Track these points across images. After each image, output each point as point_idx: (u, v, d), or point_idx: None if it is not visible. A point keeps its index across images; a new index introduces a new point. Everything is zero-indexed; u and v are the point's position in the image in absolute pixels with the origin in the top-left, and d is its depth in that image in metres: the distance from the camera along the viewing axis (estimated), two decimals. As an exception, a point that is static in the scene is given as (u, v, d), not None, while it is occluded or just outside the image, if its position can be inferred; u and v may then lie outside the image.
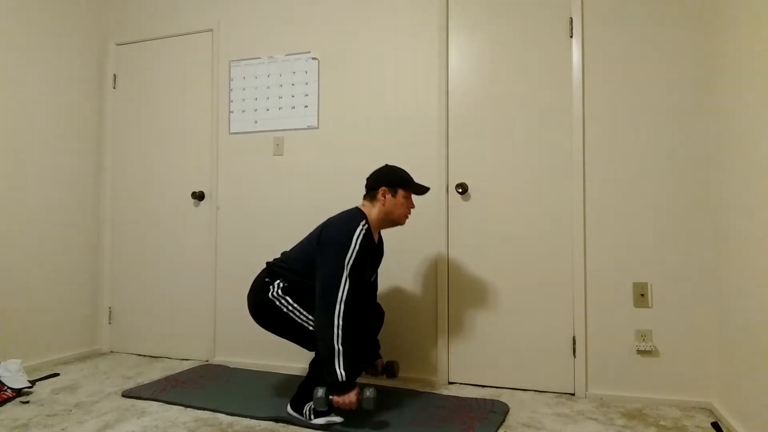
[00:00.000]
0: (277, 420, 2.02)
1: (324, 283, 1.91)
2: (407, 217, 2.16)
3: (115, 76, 3.27)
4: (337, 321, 1.86)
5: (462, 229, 2.55)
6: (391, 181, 2.11)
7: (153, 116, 3.17)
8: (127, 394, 2.32)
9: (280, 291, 2.02)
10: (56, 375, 2.65)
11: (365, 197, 2.16)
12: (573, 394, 2.34)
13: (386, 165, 2.19)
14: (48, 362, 2.86)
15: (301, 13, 2.87)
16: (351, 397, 1.84)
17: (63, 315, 2.99)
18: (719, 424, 1.96)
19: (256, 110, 2.93)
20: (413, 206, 2.17)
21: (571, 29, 2.40)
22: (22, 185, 2.78)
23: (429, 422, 1.99)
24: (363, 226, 1.99)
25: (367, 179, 2.16)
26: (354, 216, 2.03)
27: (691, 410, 2.14)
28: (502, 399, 2.29)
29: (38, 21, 2.88)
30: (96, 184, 3.23)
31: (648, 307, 2.26)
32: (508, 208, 2.48)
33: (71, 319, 3.04)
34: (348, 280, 1.90)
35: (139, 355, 3.12)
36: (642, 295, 2.27)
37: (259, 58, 2.94)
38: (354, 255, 1.92)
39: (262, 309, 2.05)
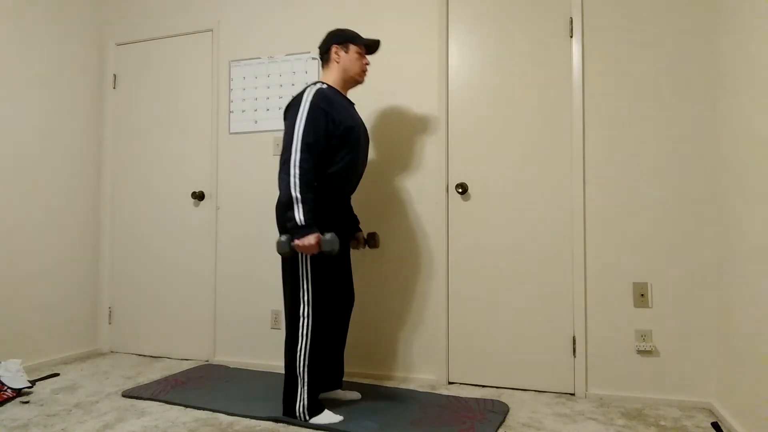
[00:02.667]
0: (277, 420, 2.02)
1: (283, 144, 1.95)
2: (365, 72, 2.19)
3: (115, 76, 3.27)
4: (293, 170, 1.89)
5: (462, 229, 2.55)
6: (340, 38, 2.15)
7: (153, 116, 3.17)
8: (127, 394, 2.32)
9: None
10: (56, 375, 2.65)
11: (322, 66, 2.19)
12: (573, 394, 2.34)
13: (333, 28, 2.20)
14: (48, 362, 2.86)
15: (300, 12, 2.87)
16: (311, 239, 1.86)
17: (63, 315, 2.99)
18: (719, 424, 1.96)
19: (256, 110, 2.93)
20: (368, 63, 2.20)
21: (571, 29, 2.40)
22: (22, 185, 2.78)
23: (429, 422, 1.99)
24: (315, 86, 2.03)
25: (319, 47, 2.20)
26: (304, 86, 2.08)
27: (691, 410, 2.14)
28: (502, 399, 2.29)
29: (38, 21, 2.88)
30: (96, 184, 3.23)
31: (648, 307, 2.27)
32: (508, 207, 2.48)
33: (71, 319, 3.04)
34: (302, 131, 1.91)
35: (139, 355, 3.12)
36: (642, 295, 2.27)
37: (259, 58, 2.94)
38: (307, 106, 1.95)
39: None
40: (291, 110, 2.00)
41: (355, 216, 2.36)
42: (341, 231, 2.13)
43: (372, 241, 2.32)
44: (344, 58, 2.13)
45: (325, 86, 2.05)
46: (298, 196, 1.87)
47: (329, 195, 2.04)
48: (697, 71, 2.23)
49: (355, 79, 2.17)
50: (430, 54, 2.61)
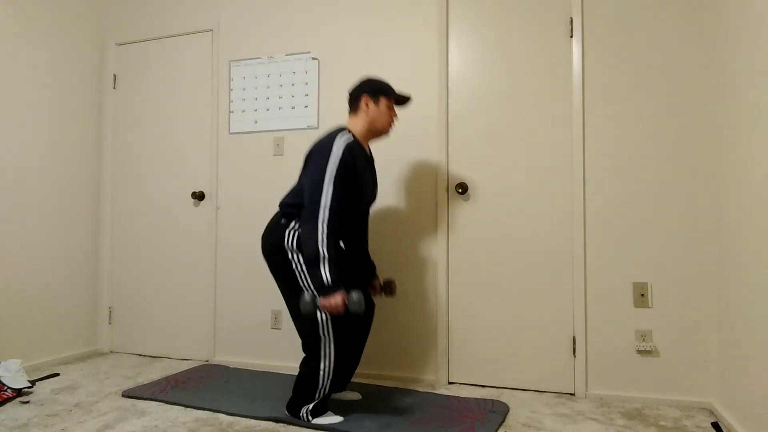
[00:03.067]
0: (277, 420, 2.02)
1: (309, 192, 1.91)
2: (391, 126, 2.15)
3: (115, 76, 3.27)
4: (322, 227, 1.86)
5: (462, 228, 2.55)
6: (372, 89, 2.11)
7: (153, 116, 3.17)
8: (127, 394, 2.32)
9: (294, 243, 1.98)
10: (56, 375, 2.65)
11: (350, 113, 2.15)
12: (573, 394, 2.34)
13: (366, 76, 2.17)
14: (48, 362, 2.86)
15: (301, 13, 2.87)
16: (337, 299, 1.83)
17: (63, 315, 2.99)
18: (719, 424, 1.96)
19: (256, 110, 2.93)
20: (396, 116, 2.17)
21: (571, 29, 2.40)
22: (22, 185, 2.78)
23: (429, 422, 1.99)
24: (345, 135, 1.99)
25: (349, 93, 2.16)
26: (334, 130, 2.04)
27: (691, 410, 2.14)
28: (502, 399, 2.29)
29: (38, 21, 2.88)
30: (96, 183, 3.23)
31: (648, 307, 2.27)
32: (508, 207, 2.48)
33: (71, 319, 3.04)
34: (332, 186, 1.89)
35: (139, 355, 3.12)
36: (642, 295, 2.27)
37: (259, 58, 2.94)
38: (337, 162, 1.91)
39: (275, 254, 2.02)
40: (317, 156, 1.94)
41: (372, 263, 2.34)
42: (355, 277, 2.13)
43: (388, 289, 2.26)
44: (373, 109, 2.09)
45: (352, 139, 1.99)
46: (326, 254, 1.84)
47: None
48: (697, 71, 2.23)
49: (381, 132, 2.14)
50: (430, 54, 2.61)
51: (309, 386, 1.96)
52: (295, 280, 1.98)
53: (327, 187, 1.88)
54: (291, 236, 1.98)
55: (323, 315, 1.91)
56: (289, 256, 1.98)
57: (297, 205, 2.01)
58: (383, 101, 2.10)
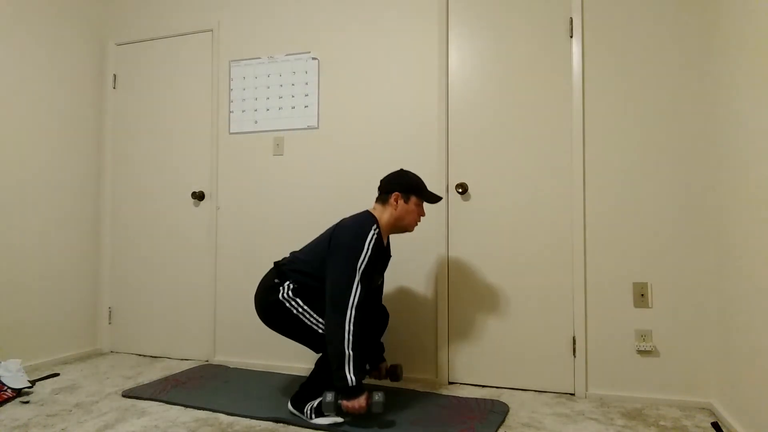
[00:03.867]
0: (277, 420, 2.02)
1: (335, 287, 1.91)
2: (417, 224, 2.17)
3: (115, 76, 3.27)
4: (348, 326, 1.86)
5: (462, 228, 2.55)
6: (405, 186, 2.11)
7: (153, 116, 3.17)
8: (127, 394, 2.32)
9: (290, 292, 2.01)
10: (56, 375, 2.65)
11: (377, 200, 2.16)
12: (573, 394, 2.34)
13: (401, 170, 2.18)
14: (48, 362, 2.86)
15: (301, 13, 2.87)
16: (361, 401, 1.85)
17: (63, 315, 2.99)
18: (719, 424, 1.96)
19: (256, 110, 2.93)
20: (424, 214, 2.17)
21: (571, 29, 2.40)
22: (22, 185, 2.78)
23: (429, 422, 1.99)
24: (375, 230, 1.99)
25: (381, 182, 2.16)
26: (366, 220, 2.03)
27: (691, 410, 2.14)
28: (502, 399, 2.29)
29: (38, 21, 2.88)
30: (96, 184, 3.23)
31: (648, 307, 2.27)
32: (508, 208, 2.48)
33: (71, 319, 3.04)
34: (359, 285, 1.90)
35: (139, 355, 3.12)
36: (642, 295, 2.27)
37: (259, 58, 2.94)
38: (366, 260, 1.93)
39: (272, 310, 2.04)
40: (350, 250, 1.94)
41: (381, 344, 2.35)
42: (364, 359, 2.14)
43: (394, 374, 2.28)
44: (402, 207, 2.10)
45: (378, 231, 2.01)
46: (351, 354, 1.85)
47: None
48: (697, 71, 2.23)
49: (406, 229, 2.15)
50: (430, 54, 2.61)
51: (320, 386, 1.97)
52: (300, 322, 2.00)
53: (356, 287, 1.90)
54: (285, 290, 2.02)
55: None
56: (287, 305, 2.01)
57: (299, 272, 2.03)
58: (413, 200, 2.11)
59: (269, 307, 2.05)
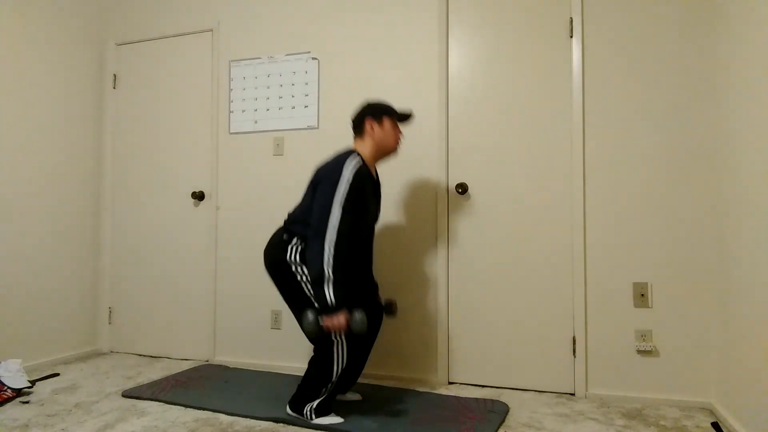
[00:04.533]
0: (277, 420, 2.02)
1: (317, 213, 1.93)
2: (398, 144, 2.18)
3: (115, 76, 3.27)
4: (329, 248, 1.87)
5: (462, 228, 2.55)
6: (375, 111, 2.13)
7: (153, 116, 3.17)
8: (127, 394, 2.32)
9: (298, 256, 2.01)
10: (56, 375, 2.65)
11: (355, 138, 2.17)
12: (573, 394, 2.34)
13: (366, 100, 2.19)
14: (48, 362, 2.86)
15: (301, 13, 2.87)
16: (340, 319, 1.85)
17: (63, 315, 2.99)
18: (719, 424, 1.96)
19: (256, 110, 2.93)
20: (402, 134, 2.19)
21: (571, 29, 2.40)
22: (22, 185, 2.78)
23: (429, 422, 1.99)
24: (354, 158, 2.01)
25: (352, 119, 2.18)
26: (343, 152, 2.05)
27: (691, 410, 2.14)
28: (502, 399, 2.29)
29: (38, 21, 2.88)
30: (96, 183, 3.23)
31: (648, 307, 2.26)
32: (508, 207, 2.48)
33: (71, 319, 3.04)
34: (341, 210, 1.91)
35: (139, 355, 3.12)
36: (642, 295, 2.27)
37: (259, 58, 2.94)
38: (346, 186, 1.93)
39: (278, 269, 2.05)
40: (327, 181, 1.96)
41: (375, 283, 2.34)
42: (359, 296, 2.14)
43: (389, 309, 2.27)
44: (378, 131, 2.11)
45: (361, 163, 2.01)
46: (331, 275, 1.86)
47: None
48: (697, 71, 2.23)
49: (390, 151, 2.16)
50: (430, 54, 2.61)
51: (317, 384, 1.97)
52: (301, 290, 2.00)
53: (336, 211, 1.90)
54: (293, 251, 2.02)
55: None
56: (293, 269, 2.01)
57: (301, 223, 2.03)
58: (387, 121, 2.12)
59: (276, 266, 2.06)
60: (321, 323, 1.87)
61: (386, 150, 2.15)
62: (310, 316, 1.86)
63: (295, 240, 2.03)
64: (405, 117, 2.18)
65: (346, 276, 1.92)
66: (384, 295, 2.63)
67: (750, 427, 1.78)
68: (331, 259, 1.86)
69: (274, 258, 2.06)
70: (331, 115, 2.78)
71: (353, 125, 2.17)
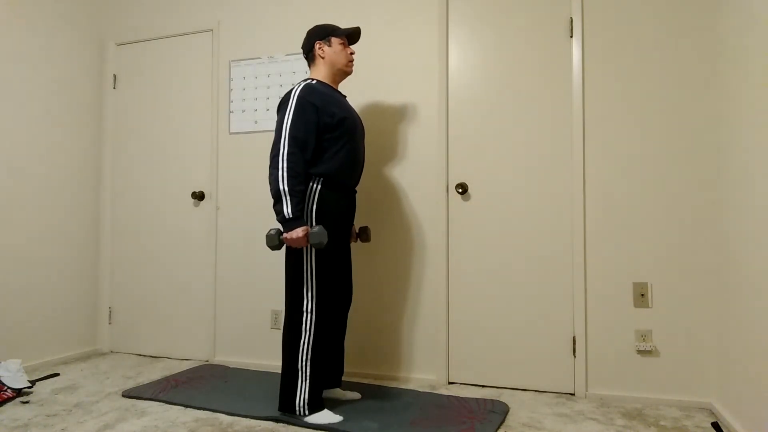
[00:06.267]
0: (277, 420, 2.02)
1: (274, 143, 1.97)
2: (351, 63, 2.20)
3: (115, 76, 3.27)
4: (281, 163, 1.91)
5: (462, 228, 2.55)
6: (320, 33, 2.16)
7: (153, 116, 3.17)
8: (127, 394, 2.32)
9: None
10: (56, 375, 2.65)
11: (309, 66, 2.20)
12: (573, 394, 2.34)
13: (312, 26, 2.22)
14: (48, 362, 2.86)
15: (301, 13, 2.87)
16: (298, 232, 1.88)
17: (63, 315, 2.99)
18: (719, 424, 1.96)
19: (256, 110, 2.93)
20: (353, 52, 2.20)
21: (571, 29, 2.40)
22: (22, 185, 2.78)
23: (429, 422, 1.99)
24: (302, 83, 2.05)
25: (302, 47, 2.21)
26: (292, 86, 2.09)
27: (691, 410, 2.14)
28: (502, 399, 2.29)
29: (37, 21, 2.88)
30: (96, 184, 3.23)
31: (648, 307, 2.27)
32: (508, 208, 2.48)
33: (71, 319, 3.04)
34: (290, 123, 1.94)
35: (139, 355, 3.12)
36: (642, 295, 2.27)
37: (259, 58, 2.94)
38: (295, 101, 1.97)
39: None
40: (281, 108, 2.03)
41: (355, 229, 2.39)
42: (347, 226, 2.14)
43: (364, 235, 2.34)
44: (328, 52, 2.14)
45: (314, 81, 2.07)
46: (286, 189, 1.90)
47: (334, 189, 2.04)
48: (697, 71, 2.23)
49: (344, 71, 2.19)
50: (430, 54, 2.61)
51: (292, 368, 1.96)
52: (301, 261, 2.00)
53: (285, 127, 1.95)
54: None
55: (307, 267, 1.96)
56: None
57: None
58: (335, 41, 2.16)
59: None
60: (281, 237, 1.92)
61: (340, 70, 2.17)
62: (272, 231, 1.93)
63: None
64: (352, 33, 2.21)
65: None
66: (386, 299, 2.63)
67: (750, 427, 1.78)
68: (285, 174, 1.90)
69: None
70: (331, 115, 2.77)
71: (304, 53, 2.20)
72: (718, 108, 2.13)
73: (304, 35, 2.83)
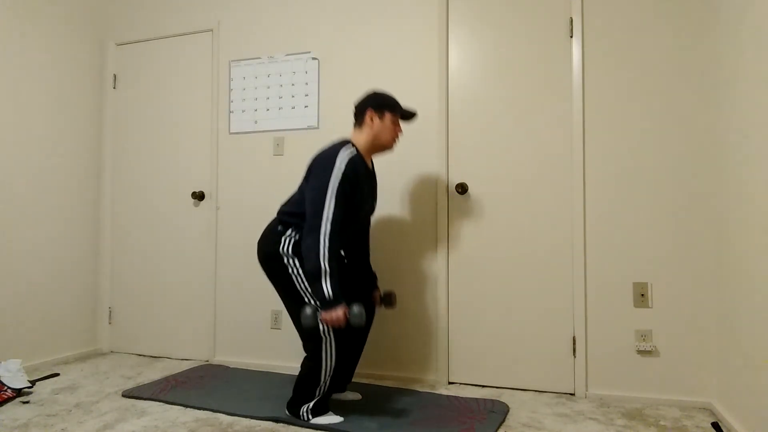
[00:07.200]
0: (277, 420, 2.02)
1: (310, 206, 1.91)
2: (395, 141, 2.14)
3: (115, 76, 3.27)
4: (323, 240, 1.86)
5: (462, 228, 2.55)
6: (377, 103, 2.09)
7: (153, 116, 3.17)
8: (127, 394, 2.32)
9: (290, 248, 1.99)
10: (56, 375, 2.65)
11: (354, 125, 2.14)
12: (573, 394, 2.34)
13: (373, 90, 2.17)
14: (48, 362, 2.86)
15: (301, 13, 2.87)
16: (338, 313, 1.83)
17: (63, 315, 2.99)
18: (719, 424, 1.96)
19: (256, 110, 2.93)
20: (401, 131, 2.16)
21: (571, 29, 2.40)
22: (22, 185, 2.78)
23: (429, 422, 1.99)
24: (348, 149, 1.99)
25: (355, 106, 2.14)
26: (338, 143, 2.03)
27: (691, 410, 2.14)
28: (502, 399, 2.29)
29: (38, 21, 2.88)
30: (96, 184, 3.23)
31: (648, 307, 2.26)
32: (508, 207, 2.48)
33: (71, 319, 3.04)
34: (334, 200, 1.89)
35: (139, 355, 3.12)
36: (642, 295, 2.27)
37: (259, 58, 2.94)
38: (339, 176, 1.91)
39: (270, 260, 2.04)
40: (321, 170, 1.94)
41: (374, 274, 2.33)
42: (356, 287, 2.13)
43: (388, 300, 2.25)
44: (377, 124, 2.07)
45: (355, 153, 1.99)
46: (327, 268, 1.84)
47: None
48: (697, 71, 2.23)
49: (385, 147, 2.13)
50: (430, 54, 2.61)
51: (309, 385, 1.97)
52: (292, 284, 1.99)
53: (329, 202, 1.88)
54: (287, 242, 2.00)
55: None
56: (285, 261, 1.99)
57: (295, 214, 2.02)
58: (388, 116, 2.09)
59: (268, 257, 2.04)
60: (319, 318, 1.86)
61: (382, 145, 2.11)
62: (308, 310, 1.85)
63: (289, 231, 2.01)
64: (408, 115, 2.15)
65: (342, 266, 1.90)
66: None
67: (750, 427, 1.78)
68: (326, 252, 1.85)
69: (267, 250, 2.05)
70: (331, 115, 2.78)
71: (355, 112, 2.14)
72: (719, 107, 2.13)
73: (303, 35, 2.84)
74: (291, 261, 1.98)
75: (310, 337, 1.95)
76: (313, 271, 1.86)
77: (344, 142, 2.02)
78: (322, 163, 1.96)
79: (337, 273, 1.86)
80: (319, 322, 1.88)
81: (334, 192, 1.89)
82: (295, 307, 2.00)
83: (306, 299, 1.98)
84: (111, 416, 2.07)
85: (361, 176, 2.01)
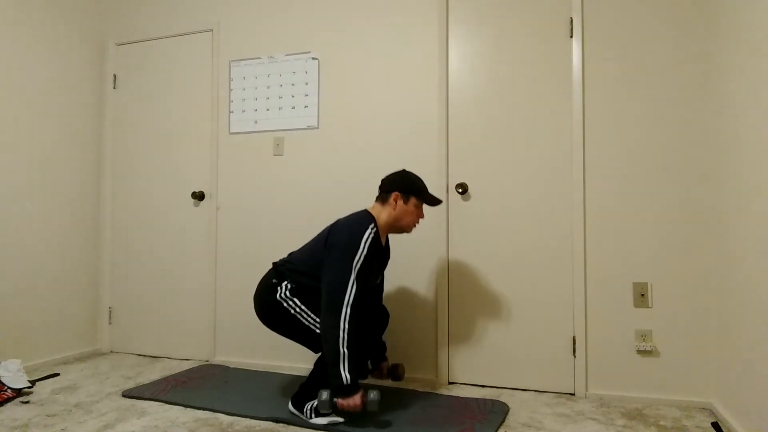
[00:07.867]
0: (277, 420, 2.02)
1: (330, 286, 1.91)
2: (415, 226, 2.16)
3: (115, 76, 3.27)
4: (343, 324, 1.86)
5: (462, 228, 2.55)
6: (405, 187, 2.10)
7: (153, 116, 3.17)
8: (127, 394, 2.32)
9: (288, 292, 2.02)
10: (56, 375, 2.65)
11: (378, 199, 2.16)
12: (573, 394, 2.34)
13: (404, 170, 2.18)
14: (48, 362, 2.86)
15: (301, 13, 2.87)
16: (356, 399, 1.84)
17: (63, 315, 2.99)
18: (719, 424, 1.96)
19: (256, 110, 2.93)
20: (423, 216, 2.17)
21: (571, 29, 2.40)
22: (22, 185, 2.78)
23: (429, 422, 1.99)
24: (371, 229, 2.00)
25: (382, 181, 2.16)
26: (363, 219, 2.03)
27: (691, 410, 2.14)
28: (502, 399, 2.29)
29: (38, 21, 2.88)
30: (96, 184, 3.23)
31: (648, 307, 2.26)
32: (508, 208, 2.48)
33: (71, 319, 3.04)
34: (355, 283, 1.90)
35: (139, 355, 3.12)
36: (642, 295, 2.27)
37: (259, 58, 2.94)
38: (362, 259, 1.93)
39: (270, 310, 2.05)
40: (346, 248, 1.94)
41: (383, 343, 2.34)
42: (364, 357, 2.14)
43: (395, 374, 2.28)
44: (401, 207, 2.09)
45: (375, 230, 2.01)
46: (346, 352, 1.85)
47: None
48: (697, 71, 2.23)
49: (404, 230, 2.15)
50: (430, 54, 2.61)
51: (319, 385, 1.98)
52: (298, 321, 2.02)
53: (351, 285, 1.90)
54: (283, 290, 2.03)
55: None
56: (285, 305, 2.02)
57: (297, 271, 2.04)
58: (413, 201, 2.11)
59: (267, 307, 2.06)
60: (335, 402, 1.87)
61: (401, 227, 2.13)
62: (323, 395, 1.87)
63: (284, 283, 2.04)
64: (433, 202, 2.15)
65: (359, 348, 1.92)
66: (386, 300, 2.63)
67: (750, 427, 1.78)
68: (345, 336, 1.86)
69: (264, 301, 2.07)
70: (331, 115, 2.78)
71: (381, 187, 2.15)
72: (718, 107, 2.13)
73: (303, 35, 2.84)
74: (291, 303, 2.02)
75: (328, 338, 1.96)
76: (332, 355, 1.86)
77: (368, 219, 2.03)
78: (347, 241, 1.96)
79: (356, 357, 1.87)
80: (335, 409, 1.90)
81: (357, 276, 1.91)
82: (307, 337, 2.02)
83: (315, 329, 1.99)
84: (111, 416, 2.07)
85: (377, 256, 2.03)
